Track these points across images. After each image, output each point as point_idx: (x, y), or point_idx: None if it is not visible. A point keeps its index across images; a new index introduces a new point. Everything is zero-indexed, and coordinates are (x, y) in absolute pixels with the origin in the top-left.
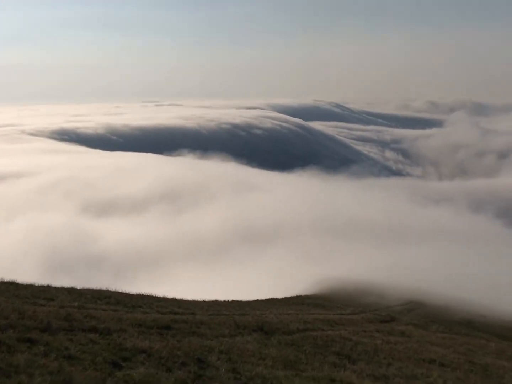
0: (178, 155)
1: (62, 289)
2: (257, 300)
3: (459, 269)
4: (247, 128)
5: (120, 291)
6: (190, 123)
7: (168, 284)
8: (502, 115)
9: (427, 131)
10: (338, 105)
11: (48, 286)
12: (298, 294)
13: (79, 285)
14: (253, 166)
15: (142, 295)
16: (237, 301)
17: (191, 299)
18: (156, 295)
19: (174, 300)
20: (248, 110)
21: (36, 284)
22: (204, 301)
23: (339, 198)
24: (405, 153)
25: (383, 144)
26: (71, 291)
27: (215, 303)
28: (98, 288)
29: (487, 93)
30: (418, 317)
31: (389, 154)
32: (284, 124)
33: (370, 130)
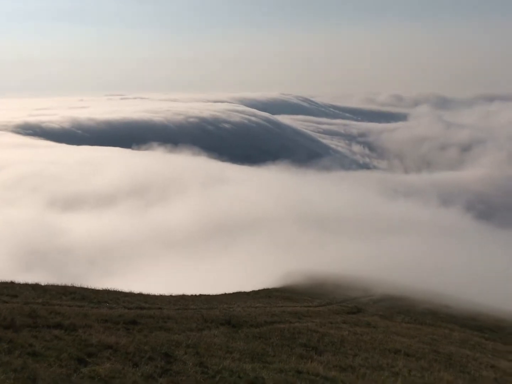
0: (147, 149)
1: (26, 286)
2: (225, 294)
3: (426, 261)
4: (215, 122)
5: (86, 286)
6: (157, 117)
7: (137, 279)
8: (465, 109)
9: (392, 125)
10: (305, 99)
11: (12, 283)
12: (266, 287)
13: (44, 281)
14: (223, 160)
15: (108, 290)
16: (205, 295)
17: (158, 294)
18: (123, 290)
19: (140, 295)
20: (215, 103)
21: None
22: (171, 296)
23: (309, 191)
24: (371, 147)
25: (349, 138)
26: (35, 287)
27: (182, 297)
28: (63, 284)
29: (451, 87)
30: (384, 308)
31: (356, 147)
32: (252, 118)
33: (337, 124)
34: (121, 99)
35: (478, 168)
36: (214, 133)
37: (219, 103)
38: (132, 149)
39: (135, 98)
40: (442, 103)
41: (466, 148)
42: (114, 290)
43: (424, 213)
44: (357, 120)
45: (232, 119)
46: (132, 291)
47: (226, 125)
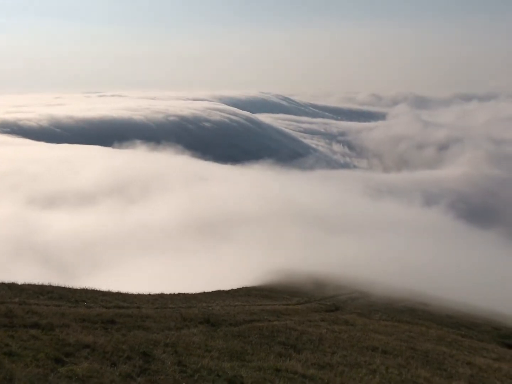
0: (128, 147)
1: (2, 285)
2: (204, 293)
3: (405, 259)
4: (196, 121)
5: (63, 285)
6: (137, 115)
7: (117, 277)
8: (443, 108)
9: (371, 124)
10: (284, 98)
11: None
12: (245, 286)
13: (21, 280)
14: (205, 159)
15: (86, 289)
16: (184, 294)
17: (137, 293)
18: (101, 289)
19: (119, 294)
20: (195, 102)
21: None
22: (149, 295)
23: (291, 190)
24: (350, 146)
25: (330, 137)
26: (11, 286)
27: (161, 296)
28: (40, 283)
29: (428, 86)
30: (362, 306)
31: (336, 146)
32: (232, 117)
33: (317, 123)
34: (99, 96)
35: (456, 167)
36: (195, 132)
37: (199, 102)
38: (113, 147)
39: (112, 95)
40: (420, 102)
41: (443, 147)
42: (92, 289)
43: (405, 212)
44: (336, 119)
45: (212, 118)
46: (111, 290)
47: (207, 124)
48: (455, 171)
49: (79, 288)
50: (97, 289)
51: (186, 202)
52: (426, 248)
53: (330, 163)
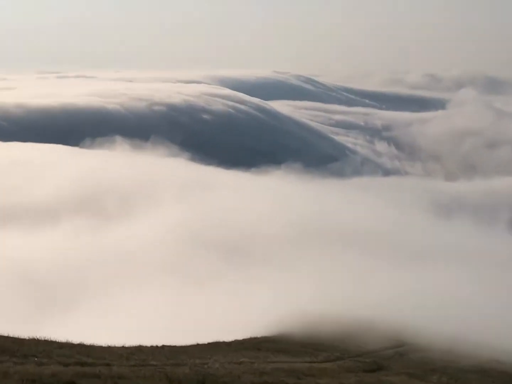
0: (101, 147)
1: None
2: (197, 345)
3: (477, 301)
4: (190, 112)
5: (6, 334)
6: (110, 103)
7: (80, 323)
8: None
9: (426, 114)
10: (308, 79)
11: None
12: (254, 336)
13: None
14: (205, 164)
15: (38, 340)
16: (170, 346)
17: (106, 345)
18: (57, 340)
19: (81, 346)
20: (188, 84)
21: None
22: (123, 347)
23: (322, 203)
24: (399, 144)
25: (371, 132)
26: None
27: (139, 349)
28: None
29: (504, 65)
30: (415, 364)
31: (380, 145)
32: (239, 105)
33: (353, 113)
34: (58, 78)
35: None
36: (188, 126)
37: (193, 85)
38: (81, 147)
39: (76, 76)
40: (493, 85)
41: None
42: (45, 340)
43: (477, 235)
44: (380, 108)
45: (212, 107)
46: (71, 340)
47: (205, 116)
48: None
49: (28, 338)
50: (52, 339)
51: (182, 218)
52: (507, 285)
53: (372, 168)
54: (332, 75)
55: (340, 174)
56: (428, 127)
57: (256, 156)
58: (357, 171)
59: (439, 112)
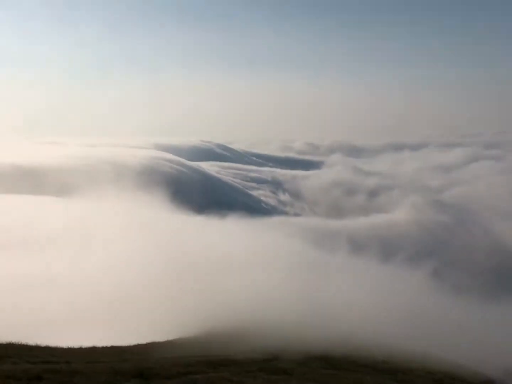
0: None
1: None
2: (138, 345)
3: (338, 304)
4: (146, 172)
5: None
6: (84, 165)
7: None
8: (376, 156)
9: (309, 172)
10: (225, 146)
11: None
12: (185, 336)
13: None
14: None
15: (12, 344)
16: (117, 347)
17: (67, 347)
18: (27, 344)
19: (47, 348)
20: (140, 150)
21: None
22: (80, 349)
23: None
24: (292, 194)
25: (275, 186)
26: None
27: (92, 350)
28: None
29: (362, 136)
30: (301, 354)
31: (281, 195)
32: (181, 168)
33: (262, 171)
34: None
35: (388, 213)
36: (146, 183)
37: (144, 150)
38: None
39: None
40: (355, 151)
41: (373, 194)
42: (18, 344)
43: (342, 258)
44: (279, 167)
45: (161, 169)
46: (38, 344)
47: (158, 176)
48: (387, 217)
49: (4, 343)
50: (23, 343)
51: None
52: (361, 293)
53: (276, 211)
54: (240, 142)
55: (250, 216)
56: (310, 181)
57: (198, 206)
58: (264, 214)
59: (317, 171)
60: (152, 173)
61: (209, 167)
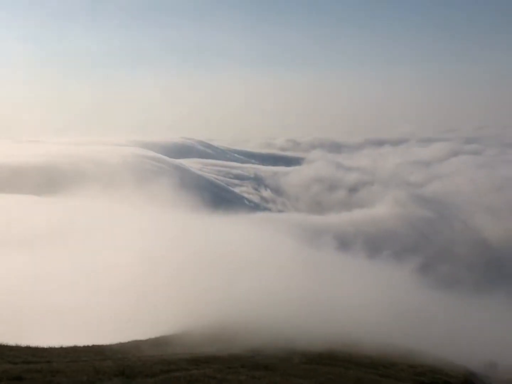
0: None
1: None
2: (120, 343)
3: (320, 301)
4: (128, 170)
5: None
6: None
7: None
8: (357, 152)
9: (290, 168)
10: (208, 144)
11: None
12: (163, 335)
13: None
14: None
15: None
16: (98, 345)
17: (48, 346)
18: (8, 344)
19: (28, 348)
20: (122, 148)
21: None
22: (61, 348)
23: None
24: (273, 190)
25: (257, 182)
26: None
27: (74, 349)
28: None
29: (343, 133)
30: (283, 350)
31: (263, 192)
32: (163, 165)
33: (244, 168)
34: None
35: (369, 208)
36: (130, 180)
37: (127, 148)
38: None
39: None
40: (335, 147)
41: (355, 189)
42: None
43: (328, 254)
44: (261, 164)
45: (143, 166)
46: (19, 344)
47: (139, 174)
48: (370, 212)
49: None
50: (4, 343)
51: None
52: (344, 289)
53: (257, 208)
54: (222, 140)
55: (234, 211)
56: (291, 177)
57: (186, 203)
58: (247, 210)
59: (298, 167)
60: (134, 171)
61: (192, 164)
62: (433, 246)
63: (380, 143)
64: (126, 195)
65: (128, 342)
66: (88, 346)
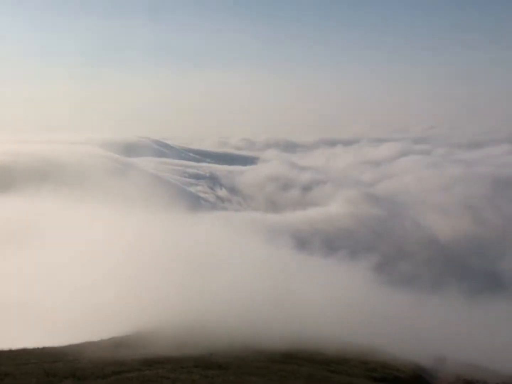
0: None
1: None
2: (71, 345)
3: (279, 299)
4: (81, 168)
5: None
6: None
7: None
8: (311, 152)
9: (245, 168)
10: (163, 143)
11: None
12: (115, 336)
13: None
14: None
15: None
16: (48, 347)
17: None
18: None
19: None
20: (76, 146)
21: None
22: (10, 351)
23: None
24: (229, 189)
25: (212, 182)
26: None
27: (24, 351)
28: None
29: (297, 132)
30: (237, 348)
31: (218, 191)
32: (116, 164)
33: (200, 167)
34: None
35: (322, 207)
36: (81, 180)
37: (78, 146)
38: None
39: None
40: (290, 146)
41: (307, 188)
42: None
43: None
44: (215, 163)
45: (96, 165)
46: None
47: (92, 173)
48: (324, 210)
49: None
50: None
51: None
52: (303, 288)
53: (212, 207)
54: (177, 139)
55: (190, 210)
56: (246, 176)
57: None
58: (202, 208)
59: (253, 166)
60: (87, 170)
61: (146, 163)
62: (386, 244)
63: (333, 143)
64: (78, 195)
65: (81, 344)
66: (38, 349)
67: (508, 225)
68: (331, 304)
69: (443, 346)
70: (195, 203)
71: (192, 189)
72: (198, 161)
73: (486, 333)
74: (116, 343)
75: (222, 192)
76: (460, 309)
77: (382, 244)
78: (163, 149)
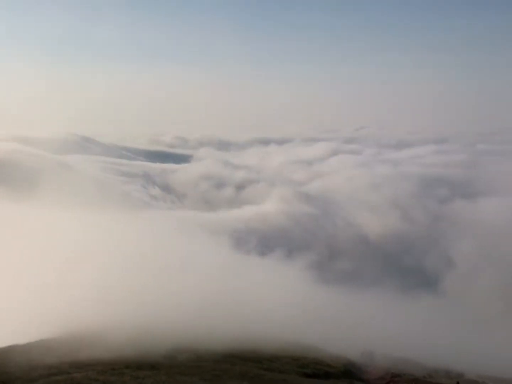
0: None
1: None
2: None
3: (209, 296)
4: (8, 166)
5: None
6: None
7: None
8: (244, 150)
9: (178, 166)
10: (92, 140)
11: None
12: (43, 338)
13: None
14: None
15: None
16: None
17: None
18: None
19: None
20: None
21: None
22: None
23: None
24: (162, 188)
25: (145, 180)
26: None
27: None
28: None
29: (231, 131)
30: (169, 348)
31: (152, 189)
32: (43, 161)
33: (133, 165)
34: None
35: (255, 205)
36: (6, 179)
37: (2, 143)
38: None
39: None
40: (223, 145)
41: (241, 186)
42: None
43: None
44: (146, 161)
45: (22, 163)
46: None
47: (18, 171)
48: (258, 209)
49: None
50: None
51: None
52: (235, 286)
53: (146, 205)
54: (109, 136)
55: (128, 210)
56: (179, 174)
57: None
58: (134, 207)
59: (187, 164)
60: (12, 168)
61: (76, 160)
62: (320, 243)
63: (266, 142)
64: (4, 194)
65: (5, 347)
66: None
67: (434, 223)
68: (269, 303)
69: (373, 341)
70: (128, 201)
71: (125, 187)
72: (131, 159)
73: (414, 328)
74: (45, 346)
75: (155, 191)
76: (391, 305)
77: (316, 242)
78: (94, 147)
